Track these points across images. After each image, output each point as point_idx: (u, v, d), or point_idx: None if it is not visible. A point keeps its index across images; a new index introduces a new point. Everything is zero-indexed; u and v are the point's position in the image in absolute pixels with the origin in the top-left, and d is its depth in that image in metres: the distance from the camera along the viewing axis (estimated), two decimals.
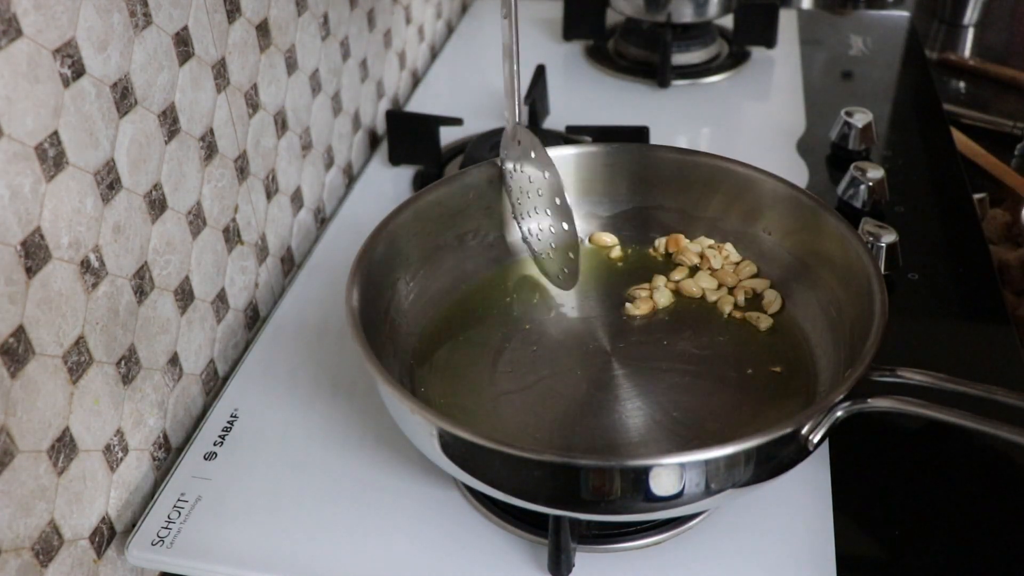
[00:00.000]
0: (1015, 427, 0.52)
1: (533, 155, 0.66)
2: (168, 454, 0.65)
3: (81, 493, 0.55)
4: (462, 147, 0.93)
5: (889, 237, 0.74)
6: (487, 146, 0.88)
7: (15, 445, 0.49)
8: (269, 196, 0.77)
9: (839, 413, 0.51)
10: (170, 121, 0.62)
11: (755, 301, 0.67)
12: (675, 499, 0.49)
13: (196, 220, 0.66)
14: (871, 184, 0.82)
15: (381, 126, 1.01)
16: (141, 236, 0.60)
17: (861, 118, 0.90)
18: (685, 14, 1.07)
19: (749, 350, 0.64)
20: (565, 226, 0.66)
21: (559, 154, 0.71)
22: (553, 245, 0.68)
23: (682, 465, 0.48)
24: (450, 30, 1.24)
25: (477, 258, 0.71)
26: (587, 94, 1.06)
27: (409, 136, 0.91)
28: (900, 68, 1.10)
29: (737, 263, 0.69)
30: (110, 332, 0.57)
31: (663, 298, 0.68)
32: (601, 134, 0.88)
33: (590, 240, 0.73)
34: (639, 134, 0.89)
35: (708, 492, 0.49)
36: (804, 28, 1.18)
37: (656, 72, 1.05)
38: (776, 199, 0.67)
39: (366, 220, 0.66)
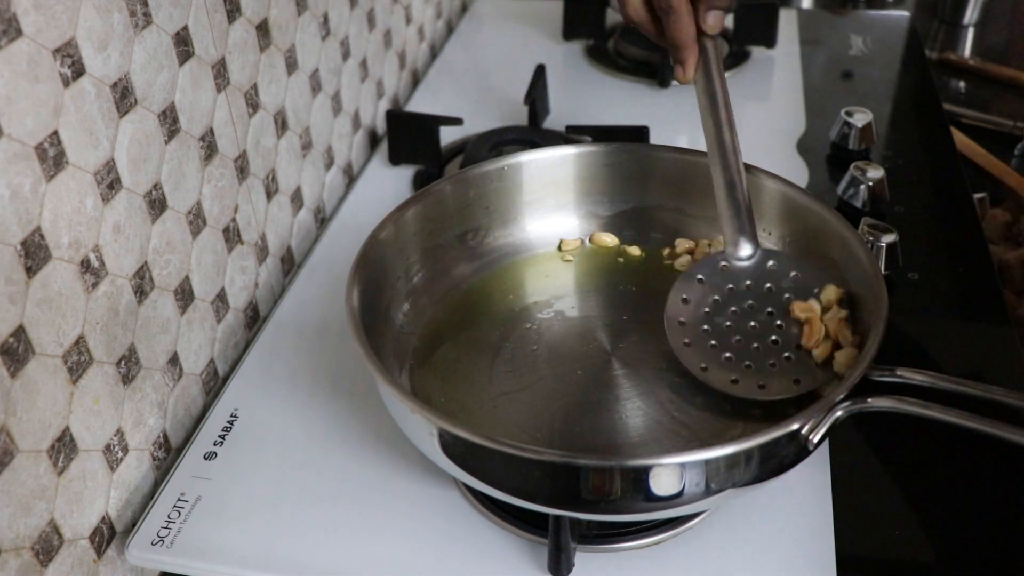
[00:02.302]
0: (1015, 427, 0.52)
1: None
2: (168, 454, 0.65)
3: (81, 493, 0.55)
4: (462, 147, 0.93)
5: (889, 237, 0.74)
6: (487, 146, 0.88)
7: (15, 445, 0.49)
8: (269, 196, 0.77)
9: (839, 413, 0.51)
10: (170, 121, 0.62)
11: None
12: (675, 499, 0.49)
13: (196, 220, 0.66)
14: (871, 184, 0.82)
15: (381, 126, 1.01)
16: (141, 236, 0.60)
17: (861, 118, 0.90)
18: None
19: None
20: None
21: (559, 154, 0.71)
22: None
23: (682, 465, 0.48)
24: (450, 30, 1.24)
25: (477, 258, 0.71)
26: (587, 94, 1.06)
27: (409, 136, 0.91)
28: (900, 68, 1.10)
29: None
30: (110, 332, 0.57)
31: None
32: (601, 134, 0.88)
33: (591, 240, 0.73)
34: (639, 134, 0.89)
35: (708, 492, 0.49)
36: (804, 28, 1.18)
37: (656, 72, 1.05)
38: (776, 199, 0.67)
39: (366, 220, 0.66)
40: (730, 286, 0.63)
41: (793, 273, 0.63)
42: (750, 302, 0.63)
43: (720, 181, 0.63)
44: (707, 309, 0.63)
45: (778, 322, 0.62)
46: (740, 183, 0.63)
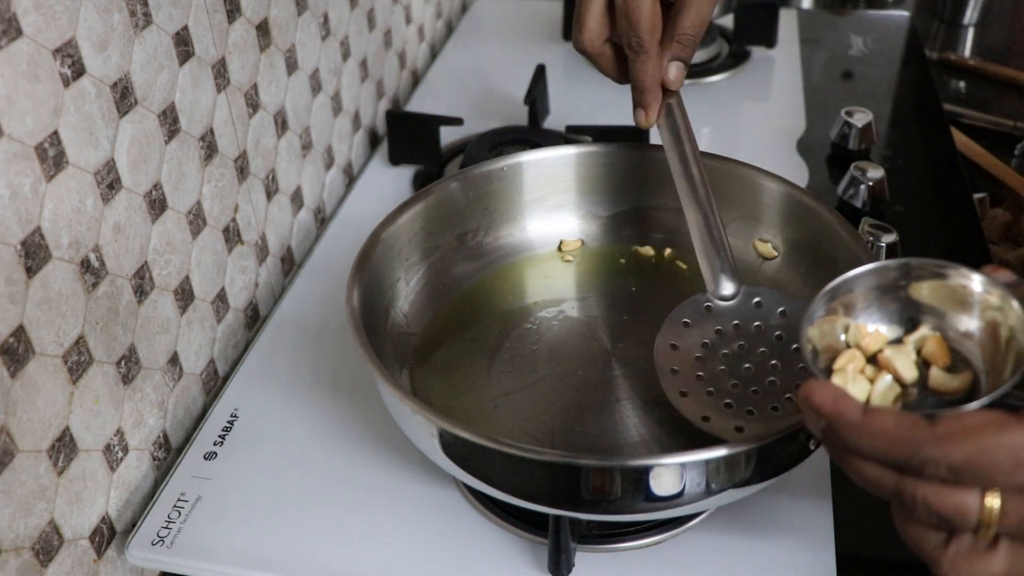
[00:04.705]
0: None
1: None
2: (168, 454, 0.65)
3: (81, 493, 0.55)
4: (462, 147, 0.93)
5: (889, 237, 0.74)
6: (487, 146, 0.88)
7: (15, 445, 0.49)
8: (269, 196, 0.77)
9: None
10: (170, 121, 0.62)
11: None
12: (675, 499, 0.49)
13: (196, 220, 0.66)
14: (871, 184, 0.82)
15: (381, 126, 1.01)
16: (141, 236, 0.60)
17: (861, 118, 0.90)
18: None
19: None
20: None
21: (559, 154, 0.71)
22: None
23: (682, 465, 0.48)
24: (450, 30, 1.24)
25: (477, 258, 0.71)
26: (587, 94, 1.06)
27: (409, 136, 0.91)
28: (900, 68, 1.10)
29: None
30: (110, 332, 0.57)
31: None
32: (601, 134, 0.88)
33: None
34: (639, 134, 0.89)
35: (708, 492, 0.49)
36: (804, 28, 1.18)
37: None
38: (776, 199, 0.67)
39: (366, 220, 0.66)
40: (717, 328, 0.61)
41: (781, 309, 0.61)
42: (740, 343, 0.60)
43: (693, 218, 0.61)
44: (698, 354, 0.60)
45: (773, 362, 0.59)
46: (713, 218, 0.61)
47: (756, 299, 0.61)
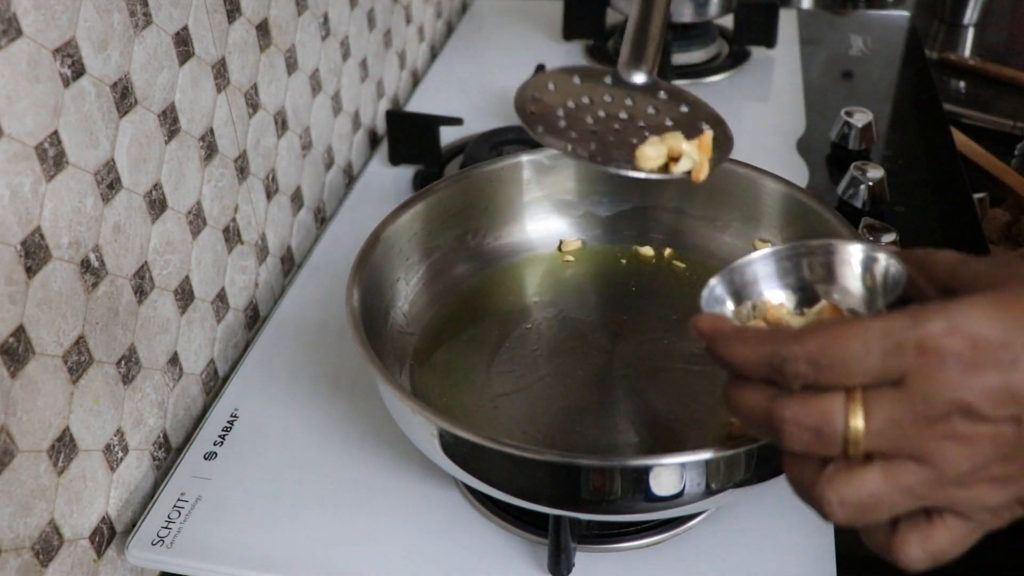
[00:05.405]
0: None
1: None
2: (168, 454, 0.65)
3: (81, 493, 0.55)
4: (462, 147, 0.93)
5: (889, 237, 0.74)
6: (487, 146, 0.88)
7: (15, 445, 0.49)
8: (269, 196, 0.77)
9: None
10: (170, 121, 0.62)
11: None
12: (675, 499, 0.49)
13: (196, 220, 0.66)
14: (871, 184, 0.82)
15: (381, 126, 1.01)
16: (141, 236, 0.60)
17: (861, 118, 0.90)
18: (685, 14, 1.07)
19: None
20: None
21: (559, 154, 0.71)
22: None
23: (682, 465, 0.48)
24: (450, 30, 1.24)
25: (477, 258, 0.71)
26: None
27: (409, 136, 0.91)
28: (900, 68, 1.10)
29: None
30: (110, 332, 0.57)
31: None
32: None
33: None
34: None
35: (708, 492, 0.49)
36: (804, 28, 1.18)
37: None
38: (776, 199, 0.67)
39: (366, 220, 0.66)
40: (608, 98, 0.55)
41: (684, 108, 0.55)
42: (624, 115, 0.54)
43: (635, 13, 0.55)
44: (572, 104, 0.54)
45: (646, 134, 0.54)
46: (660, 19, 0.55)
47: (664, 94, 0.56)
